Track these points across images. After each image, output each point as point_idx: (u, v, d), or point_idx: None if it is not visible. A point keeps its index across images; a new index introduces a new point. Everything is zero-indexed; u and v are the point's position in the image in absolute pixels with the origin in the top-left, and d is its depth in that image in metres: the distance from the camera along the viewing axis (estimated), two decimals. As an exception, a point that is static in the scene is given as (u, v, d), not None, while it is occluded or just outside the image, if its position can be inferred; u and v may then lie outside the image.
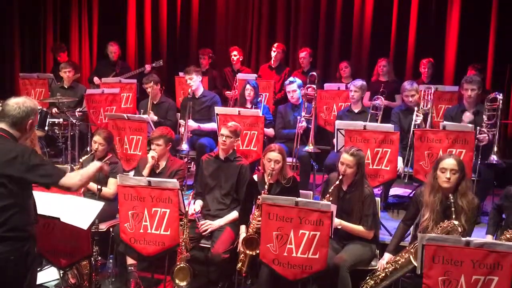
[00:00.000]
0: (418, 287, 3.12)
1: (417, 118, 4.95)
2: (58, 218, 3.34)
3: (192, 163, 6.12)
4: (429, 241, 2.99)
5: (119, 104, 5.99)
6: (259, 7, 7.86)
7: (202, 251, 4.25)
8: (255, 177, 4.12)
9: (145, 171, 4.36)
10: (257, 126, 4.95)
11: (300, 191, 4.10)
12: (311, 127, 5.25)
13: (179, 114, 5.97)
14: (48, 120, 6.11)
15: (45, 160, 2.87)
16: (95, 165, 3.13)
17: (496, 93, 4.77)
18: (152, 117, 5.61)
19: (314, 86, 5.52)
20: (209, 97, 5.72)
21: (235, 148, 4.41)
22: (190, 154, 5.59)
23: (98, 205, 3.53)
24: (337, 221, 3.65)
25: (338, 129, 4.65)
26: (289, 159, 5.06)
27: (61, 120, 6.14)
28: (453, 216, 3.34)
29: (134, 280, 4.04)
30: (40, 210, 3.08)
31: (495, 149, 4.61)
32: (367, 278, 3.64)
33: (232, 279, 4.10)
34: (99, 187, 4.11)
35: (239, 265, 3.81)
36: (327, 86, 6.17)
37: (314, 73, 5.73)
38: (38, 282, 3.16)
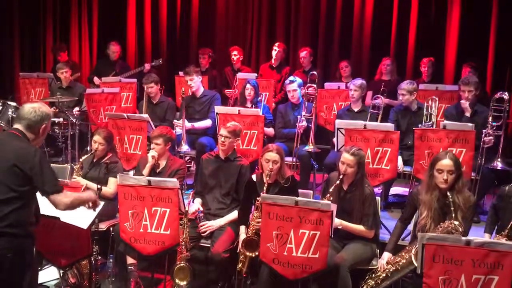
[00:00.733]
0: (418, 287, 3.12)
1: None
2: (58, 218, 3.34)
3: (192, 162, 6.12)
4: (429, 241, 2.99)
5: (119, 104, 5.99)
6: (259, 6, 7.86)
7: (202, 250, 4.24)
8: (254, 177, 4.11)
9: (145, 171, 4.36)
10: (257, 126, 4.95)
11: (300, 190, 4.10)
12: (311, 127, 5.25)
13: (178, 113, 5.97)
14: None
15: (51, 168, 2.95)
16: (89, 196, 3.26)
17: (501, 92, 4.71)
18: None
19: (315, 86, 5.52)
20: (210, 96, 5.73)
21: (235, 147, 4.41)
22: (190, 153, 5.58)
23: (98, 205, 3.52)
24: (337, 221, 3.65)
25: (338, 129, 4.65)
26: (289, 159, 5.08)
27: (61, 119, 6.14)
28: (453, 215, 3.33)
29: (134, 279, 4.04)
30: (41, 210, 3.09)
31: (500, 153, 4.58)
32: (367, 278, 3.64)
33: (232, 278, 4.09)
34: (99, 186, 4.10)
35: (240, 265, 3.81)
36: (327, 85, 6.17)
37: (315, 72, 5.73)
38: (38, 282, 3.16)
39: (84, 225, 3.46)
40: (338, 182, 3.74)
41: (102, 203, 3.53)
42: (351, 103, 5.47)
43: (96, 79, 6.98)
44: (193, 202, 4.29)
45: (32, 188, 2.87)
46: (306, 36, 7.62)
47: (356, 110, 5.41)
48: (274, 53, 6.90)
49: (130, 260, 4.08)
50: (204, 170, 4.33)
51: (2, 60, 8.55)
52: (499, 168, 4.58)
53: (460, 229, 3.28)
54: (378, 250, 3.87)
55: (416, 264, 3.30)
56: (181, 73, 6.56)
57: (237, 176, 4.21)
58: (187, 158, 5.99)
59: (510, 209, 3.50)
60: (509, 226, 3.36)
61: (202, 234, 4.10)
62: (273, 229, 3.47)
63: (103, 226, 4.19)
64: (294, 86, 5.53)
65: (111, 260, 4.27)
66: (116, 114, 5.39)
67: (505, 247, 2.90)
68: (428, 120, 4.89)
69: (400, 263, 3.49)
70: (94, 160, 4.49)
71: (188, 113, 5.62)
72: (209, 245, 4.06)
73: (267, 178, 3.87)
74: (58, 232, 3.64)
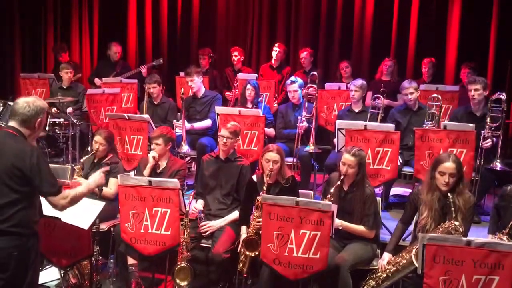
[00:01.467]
0: (419, 287, 3.12)
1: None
2: (59, 218, 3.34)
3: (193, 163, 6.12)
4: (430, 241, 2.99)
5: (119, 104, 5.99)
6: (259, 7, 7.87)
7: (203, 251, 4.25)
8: (254, 177, 4.11)
9: (146, 171, 4.37)
10: (258, 126, 4.95)
11: (301, 191, 4.10)
12: (312, 127, 5.25)
13: (179, 114, 5.98)
14: (49, 120, 6.12)
15: (50, 168, 2.93)
16: (88, 187, 3.19)
17: (499, 93, 4.68)
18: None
19: (315, 86, 5.52)
20: (211, 96, 5.73)
21: (235, 148, 4.42)
22: (190, 154, 5.59)
23: (99, 205, 3.53)
24: (338, 222, 3.65)
25: (338, 129, 4.65)
26: (290, 159, 5.08)
27: (61, 120, 6.14)
28: (453, 216, 3.34)
29: (135, 280, 4.04)
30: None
31: (499, 154, 4.56)
32: (368, 278, 3.64)
33: (233, 279, 4.09)
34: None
35: (240, 265, 3.81)
36: (327, 86, 6.17)
37: (315, 73, 5.73)
38: (39, 282, 3.16)
39: (85, 226, 3.46)
40: (338, 182, 3.74)
41: (103, 203, 3.55)
42: (351, 103, 5.48)
43: (97, 80, 6.99)
44: (195, 203, 4.29)
45: (34, 188, 2.87)
46: (307, 36, 7.63)
47: (356, 110, 5.41)
48: (274, 53, 6.91)
49: (131, 260, 4.08)
50: (204, 171, 4.33)
51: (3, 60, 8.55)
52: (498, 169, 4.57)
53: (461, 229, 3.28)
54: (378, 251, 3.87)
55: (416, 265, 3.30)
56: (181, 74, 6.56)
57: (238, 177, 4.21)
58: (188, 158, 5.99)
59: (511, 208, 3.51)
60: (510, 224, 3.36)
61: (203, 234, 4.10)
62: (273, 229, 3.48)
63: (104, 226, 4.19)
64: (295, 86, 5.53)
65: (112, 260, 4.27)
66: (116, 114, 5.39)
67: (506, 248, 2.90)
68: (429, 119, 4.87)
69: (401, 264, 3.49)
70: (95, 161, 4.49)
71: (189, 114, 5.63)
72: (209, 246, 4.07)
73: (268, 178, 3.87)
74: (59, 233, 3.64)
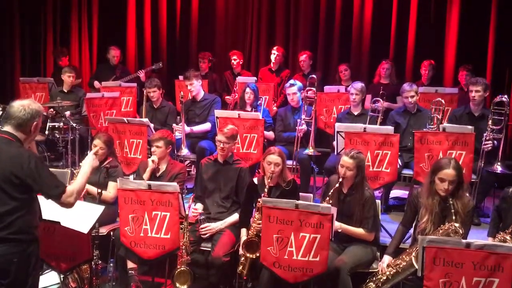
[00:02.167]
0: (419, 289, 3.12)
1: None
2: (59, 222, 3.34)
3: (192, 166, 6.12)
4: (430, 243, 2.99)
5: (119, 108, 6.00)
6: (258, 10, 7.87)
7: (203, 254, 4.24)
8: (255, 180, 4.12)
9: (146, 175, 4.37)
10: (257, 129, 4.95)
11: (300, 194, 4.10)
12: (311, 130, 5.26)
13: (178, 117, 5.98)
14: (48, 124, 6.12)
15: (49, 171, 2.89)
16: (83, 173, 3.12)
17: (501, 95, 4.71)
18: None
19: (314, 89, 5.53)
20: (210, 100, 5.74)
21: (234, 151, 4.42)
22: (190, 157, 5.59)
23: (99, 209, 3.53)
24: (337, 225, 3.65)
25: (338, 132, 4.65)
26: (289, 162, 5.07)
27: (61, 124, 6.14)
28: (453, 218, 3.33)
29: (134, 283, 4.04)
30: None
31: (500, 157, 4.58)
32: (368, 281, 3.63)
33: (233, 282, 4.09)
34: (99, 190, 4.11)
35: (240, 268, 3.81)
36: (327, 88, 6.17)
37: (314, 75, 5.74)
38: (39, 287, 3.16)
39: (85, 230, 3.46)
40: (337, 185, 3.74)
41: (102, 207, 3.55)
42: (350, 106, 5.48)
43: (96, 83, 7.00)
44: (194, 205, 4.29)
45: (33, 194, 2.84)
46: (306, 39, 7.64)
47: (356, 113, 5.42)
48: (272, 57, 6.92)
49: (130, 264, 4.08)
50: (203, 174, 4.34)
51: (3, 64, 8.55)
52: (499, 171, 4.58)
53: (461, 231, 3.28)
54: (378, 253, 3.87)
55: (416, 267, 3.30)
56: (181, 77, 6.57)
57: (237, 179, 4.22)
58: (187, 162, 5.99)
59: None
60: None
61: (203, 236, 4.10)
62: (273, 232, 3.47)
63: (103, 230, 4.19)
64: (294, 89, 5.54)
65: (111, 264, 4.27)
66: (116, 118, 5.40)
67: (505, 250, 2.90)
68: (431, 122, 4.89)
69: (401, 266, 3.49)
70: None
71: (189, 117, 5.63)
72: (209, 249, 4.06)
73: (269, 181, 3.87)
74: (59, 237, 3.63)
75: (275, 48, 6.99)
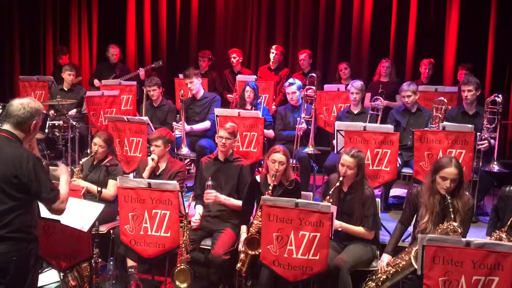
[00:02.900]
0: (418, 288, 3.12)
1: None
2: (59, 221, 3.34)
3: (192, 164, 6.12)
4: (429, 242, 2.99)
5: (119, 106, 5.99)
6: (258, 8, 7.87)
7: (203, 252, 4.24)
8: (258, 177, 4.12)
9: (145, 173, 4.37)
10: (257, 128, 4.95)
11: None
12: (311, 129, 5.26)
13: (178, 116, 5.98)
14: (48, 122, 6.12)
15: (47, 175, 2.89)
16: (63, 178, 3.04)
17: (496, 94, 4.75)
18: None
19: (314, 88, 5.53)
20: (210, 98, 5.74)
21: (234, 149, 4.42)
22: (190, 156, 5.59)
23: (98, 207, 3.53)
24: (337, 223, 3.65)
25: (338, 130, 4.65)
26: (289, 161, 5.08)
27: (61, 122, 6.14)
28: (452, 217, 3.34)
29: (134, 282, 4.04)
30: (41, 212, 3.09)
31: (496, 156, 4.60)
32: (368, 279, 3.64)
33: (233, 280, 4.09)
34: (99, 189, 4.12)
35: (239, 264, 3.81)
36: (326, 87, 6.17)
37: (314, 74, 5.74)
38: (39, 285, 3.16)
39: (85, 228, 3.46)
40: (337, 184, 3.74)
41: (102, 206, 3.55)
42: (350, 105, 5.48)
43: (96, 82, 6.99)
44: (194, 207, 4.29)
45: (31, 194, 2.82)
46: (306, 38, 7.63)
47: (355, 112, 5.42)
48: (271, 55, 6.91)
49: (130, 262, 4.09)
50: (204, 173, 4.33)
51: (2, 63, 8.54)
52: (495, 170, 4.59)
53: (460, 230, 3.28)
54: (378, 252, 3.88)
55: (416, 266, 3.30)
56: (180, 76, 6.57)
57: (238, 177, 4.22)
58: (187, 160, 5.99)
59: (510, 209, 3.51)
60: (508, 222, 3.36)
61: (206, 201, 4.09)
62: (273, 231, 3.48)
63: (103, 228, 4.19)
64: (293, 88, 5.54)
65: (111, 262, 4.27)
66: (116, 116, 5.39)
67: (505, 248, 2.90)
68: (432, 122, 4.90)
69: (400, 265, 3.49)
70: (94, 163, 4.50)
71: (188, 115, 5.63)
72: (209, 247, 4.07)
73: (273, 179, 3.88)
74: (59, 235, 3.64)
75: (273, 47, 6.99)
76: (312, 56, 6.98)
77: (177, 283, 3.82)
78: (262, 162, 5.06)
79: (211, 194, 4.07)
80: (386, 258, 3.64)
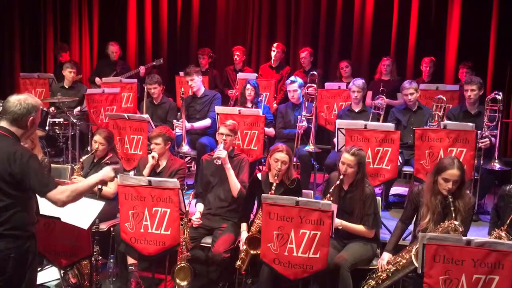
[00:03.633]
0: (419, 286, 3.11)
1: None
2: (59, 218, 3.34)
3: (193, 162, 6.12)
4: (430, 240, 2.98)
5: (119, 104, 5.99)
6: (259, 6, 7.86)
7: (203, 250, 4.24)
8: (259, 175, 4.11)
9: (146, 171, 4.37)
10: (258, 126, 4.95)
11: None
12: (312, 127, 5.25)
13: (179, 114, 5.98)
14: (48, 119, 6.12)
15: (42, 168, 2.84)
16: (95, 178, 3.01)
17: (496, 92, 4.74)
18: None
19: (315, 86, 5.52)
20: (210, 96, 5.73)
21: (235, 147, 4.42)
22: (190, 153, 5.58)
23: (99, 205, 3.53)
24: (337, 222, 3.65)
25: (338, 129, 4.65)
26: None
27: (61, 119, 6.14)
28: (453, 215, 3.33)
29: (134, 279, 4.04)
30: (41, 210, 3.08)
31: (497, 154, 4.59)
32: (368, 278, 3.64)
33: (233, 278, 4.09)
34: (99, 186, 4.09)
35: (239, 262, 3.81)
36: (327, 85, 6.16)
37: (315, 72, 5.73)
38: (39, 282, 3.16)
39: (85, 225, 3.46)
40: (338, 182, 3.73)
41: (103, 203, 3.54)
42: (351, 103, 5.48)
43: (97, 80, 6.99)
44: (195, 205, 4.29)
45: (28, 191, 2.80)
46: (307, 36, 7.62)
47: (356, 110, 5.41)
48: (272, 53, 6.90)
49: (130, 260, 4.08)
50: (204, 170, 4.33)
51: (3, 60, 8.55)
52: (497, 169, 4.58)
53: (460, 229, 3.28)
54: (378, 250, 3.87)
55: (416, 264, 3.30)
56: (181, 73, 6.56)
57: (237, 170, 4.22)
58: (188, 158, 5.99)
59: (511, 207, 3.50)
60: (508, 221, 3.36)
61: (215, 162, 4.10)
62: (273, 229, 3.47)
63: (103, 226, 4.19)
64: (294, 86, 5.53)
65: (111, 260, 4.27)
66: (116, 114, 5.39)
67: (506, 247, 2.89)
68: (432, 120, 4.89)
69: (401, 263, 3.49)
70: (95, 160, 4.49)
71: (189, 113, 5.63)
72: (209, 245, 4.06)
73: (275, 178, 3.87)
74: (59, 233, 3.64)
75: (275, 45, 6.98)
76: (313, 54, 6.98)
77: (178, 281, 3.82)
78: (263, 160, 5.07)
79: (216, 154, 4.08)
80: (386, 256, 3.64)
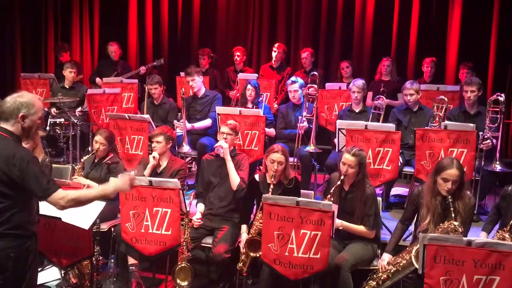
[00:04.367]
0: (419, 287, 3.11)
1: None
2: (60, 218, 3.34)
3: (194, 163, 6.12)
4: (431, 241, 2.98)
5: (120, 104, 6.00)
6: (260, 7, 7.86)
7: (203, 251, 4.25)
8: (257, 177, 4.11)
9: (147, 171, 4.37)
10: (258, 126, 4.95)
11: (302, 191, 4.10)
12: (312, 127, 5.25)
13: (179, 114, 5.98)
14: (49, 120, 6.12)
15: (42, 171, 2.81)
16: (103, 190, 2.94)
17: (498, 94, 4.72)
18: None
19: (316, 86, 5.52)
20: (211, 96, 5.74)
21: (236, 146, 4.42)
22: (191, 154, 5.59)
23: (100, 205, 3.53)
24: (338, 222, 3.65)
25: (339, 129, 4.65)
26: (290, 159, 5.06)
27: (62, 120, 6.15)
28: (452, 216, 3.33)
29: (135, 280, 4.04)
30: (42, 210, 3.08)
31: (498, 155, 4.59)
32: (368, 278, 3.64)
33: (233, 279, 4.10)
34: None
35: (240, 264, 3.81)
36: (328, 85, 6.17)
37: (316, 73, 5.73)
38: (39, 282, 3.16)
39: (86, 226, 3.46)
40: (339, 182, 3.74)
41: (103, 203, 3.55)
42: (352, 103, 5.48)
43: (98, 80, 6.99)
44: (195, 206, 4.29)
45: (27, 191, 2.78)
46: (307, 36, 7.63)
47: (357, 110, 5.41)
48: (274, 54, 6.90)
49: (131, 260, 4.09)
50: (205, 170, 4.34)
51: (3, 60, 8.55)
52: (498, 170, 4.58)
53: (460, 230, 3.28)
54: (379, 251, 3.87)
55: (416, 265, 3.30)
56: (182, 74, 6.56)
57: (237, 167, 4.22)
58: (188, 158, 5.99)
59: None
60: (511, 222, 3.36)
61: (216, 151, 4.15)
62: (274, 229, 3.47)
63: (104, 226, 4.19)
64: (295, 86, 5.53)
65: (112, 260, 4.28)
66: (117, 114, 5.39)
67: (507, 248, 2.89)
68: (433, 120, 4.89)
69: (401, 264, 3.49)
70: (96, 161, 4.50)
71: (190, 113, 5.63)
72: (210, 246, 4.07)
73: (272, 179, 3.87)
74: (60, 233, 3.64)
75: (276, 45, 6.98)
76: (314, 54, 6.98)
77: (178, 281, 3.82)
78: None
79: (218, 143, 4.15)
80: (386, 257, 3.64)
